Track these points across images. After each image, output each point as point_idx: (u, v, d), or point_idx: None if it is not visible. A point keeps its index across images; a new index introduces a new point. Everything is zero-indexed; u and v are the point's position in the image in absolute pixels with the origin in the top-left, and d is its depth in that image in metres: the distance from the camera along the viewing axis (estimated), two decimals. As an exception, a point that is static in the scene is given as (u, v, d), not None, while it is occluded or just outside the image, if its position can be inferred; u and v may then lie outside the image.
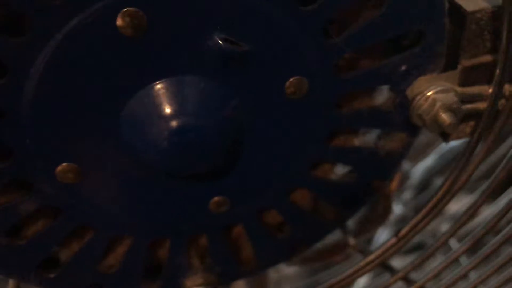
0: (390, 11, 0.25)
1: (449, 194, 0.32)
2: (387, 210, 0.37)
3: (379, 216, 0.37)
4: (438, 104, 0.26)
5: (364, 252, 0.35)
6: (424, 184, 0.66)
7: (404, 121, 0.29)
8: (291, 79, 0.25)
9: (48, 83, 0.23)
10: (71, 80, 0.23)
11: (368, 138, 0.30)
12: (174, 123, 0.24)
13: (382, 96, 0.29)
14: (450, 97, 0.27)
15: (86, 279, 0.31)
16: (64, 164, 0.25)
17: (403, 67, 0.27)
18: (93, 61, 0.23)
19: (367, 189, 0.33)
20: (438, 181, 0.62)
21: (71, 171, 0.26)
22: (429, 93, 0.27)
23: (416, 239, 0.40)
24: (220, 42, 0.23)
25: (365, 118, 0.29)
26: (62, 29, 0.21)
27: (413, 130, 0.30)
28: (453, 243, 0.37)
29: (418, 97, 0.27)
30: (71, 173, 0.26)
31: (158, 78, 0.24)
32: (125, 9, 0.21)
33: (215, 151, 0.25)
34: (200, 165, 0.26)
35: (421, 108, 0.27)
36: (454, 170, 0.31)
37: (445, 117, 0.26)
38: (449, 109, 0.26)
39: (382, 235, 0.45)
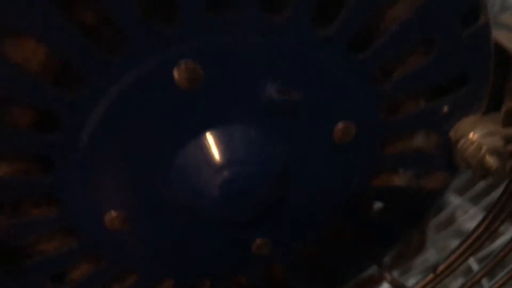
0: (439, 58, 0.25)
1: (488, 232, 0.32)
2: (422, 244, 0.37)
3: (414, 250, 0.37)
4: (484, 148, 0.26)
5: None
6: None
7: (446, 162, 0.29)
8: (339, 124, 0.26)
9: (102, 135, 0.23)
10: (124, 132, 0.23)
11: (408, 177, 0.30)
12: (226, 173, 0.24)
13: (425, 137, 0.29)
14: (496, 141, 0.27)
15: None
16: (113, 212, 0.25)
17: (447, 109, 0.27)
18: (147, 113, 0.23)
19: (404, 226, 0.33)
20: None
21: (119, 218, 0.26)
22: (475, 137, 0.27)
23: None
24: (274, 93, 0.23)
25: (407, 159, 0.29)
26: (118, 82, 0.21)
27: (454, 170, 0.30)
28: (473, 264, 0.38)
29: (463, 140, 0.27)
30: (119, 221, 0.26)
31: (209, 127, 0.24)
32: (182, 63, 0.21)
33: (264, 199, 0.25)
34: (249, 212, 0.26)
35: (467, 151, 0.27)
36: (494, 208, 0.31)
37: (492, 161, 0.26)
38: (495, 153, 0.26)
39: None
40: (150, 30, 0.20)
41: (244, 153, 0.24)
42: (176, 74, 0.22)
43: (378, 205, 0.32)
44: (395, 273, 0.36)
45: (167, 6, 0.20)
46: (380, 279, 0.38)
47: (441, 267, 0.34)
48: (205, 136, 0.24)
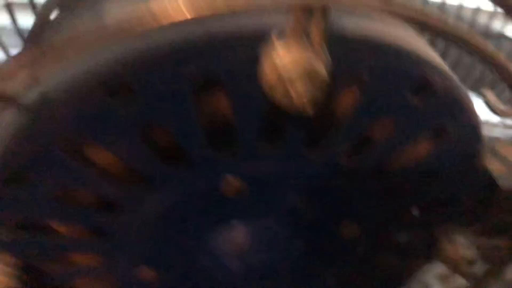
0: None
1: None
2: None
3: None
4: (459, 257, 0.32)
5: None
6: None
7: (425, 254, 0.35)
8: (344, 223, 0.31)
9: (154, 226, 0.27)
10: (175, 224, 0.28)
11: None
12: (248, 259, 0.29)
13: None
14: (471, 252, 0.32)
15: None
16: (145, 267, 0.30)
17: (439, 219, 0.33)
18: (197, 209, 0.27)
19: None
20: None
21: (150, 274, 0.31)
22: (455, 244, 0.32)
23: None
24: (297, 205, 0.28)
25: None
26: (177, 190, 0.26)
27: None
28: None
29: (445, 243, 0.33)
30: (149, 275, 0.31)
31: (242, 221, 0.29)
32: (231, 179, 0.26)
33: (276, 279, 0.31)
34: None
35: (446, 254, 0.33)
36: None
37: (465, 268, 0.32)
38: (468, 262, 0.32)
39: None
40: (210, 155, 0.25)
41: (265, 246, 0.29)
42: (225, 188, 0.26)
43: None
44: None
45: (227, 134, 0.24)
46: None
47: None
48: (238, 228, 0.29)
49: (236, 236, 0.29)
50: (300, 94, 0.19)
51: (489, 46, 0.21)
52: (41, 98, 0.22)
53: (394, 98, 0.24)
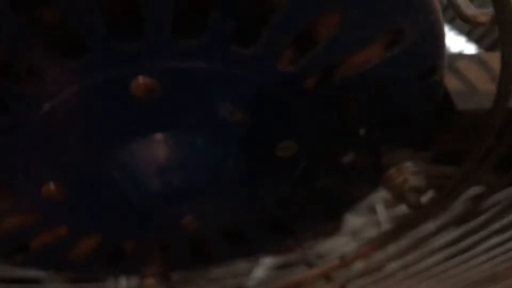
0: (392, 100, 0.26)
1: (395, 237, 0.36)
2: (337, 228, 0.40)
3: (329, 232, 0.41)
4: (407, 185, 0.29)
5: (310, 264, 0.39)
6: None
7: (372, 180, 0.32)
8: (282, 143, 0.27)
9: (54, 123, 0.23)
10: (75, 124, 0.23)
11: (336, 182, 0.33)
12: (166, 175, 0.25)
13: (359, 157, 0.31)
14: (419, 180, 0.29)
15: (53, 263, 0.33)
16: (52, 183, 0.26)
17: (386, 140, 0.29)
18: (101, 111, 0.23)
19: (326, 216, 0.36)
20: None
21: (56, 189, 0.27)
22: (403, 171, 0.29)
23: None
24: (225, 114, 0.24)
25: (339, 170, 0.31)
26: (73, 85, 0.21)
27: (376, 186, 0.33)
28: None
29: (392, 169, 0.30)
30: (55, 191, 0.27)
31: (159, 131, 0.24)
32: (140, 78, 0.21)
33: (197, 198, 0.27)
34: (182, 208, 0.28)
35: (393, 181, 0.30)
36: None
37: (411, 197, 0.29)
38: (416, 191, 0.29)
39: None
40: (111, 46, 0.20)
41: (184, 158, 0.25)
42: (133, 86, 0.21)
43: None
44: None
45: (135, 24, 0.19)
46: (293, 250, 0.42)
47: (349, 256, 0.38)
48: (154, 137, 0.24)
49: (151, 148, 0.25)
50: None
51: None
52: None
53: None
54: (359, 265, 0.42)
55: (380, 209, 0.55)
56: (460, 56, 0.32)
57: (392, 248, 0.41)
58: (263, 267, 0.74)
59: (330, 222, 0.38)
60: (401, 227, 0.35)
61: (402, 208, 0.70)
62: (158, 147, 0.25)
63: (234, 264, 0.58)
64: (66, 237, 0.31)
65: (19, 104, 0.21)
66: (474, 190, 0.31)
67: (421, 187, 0.29)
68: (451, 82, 0.28)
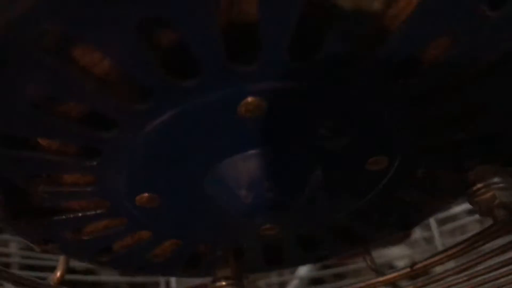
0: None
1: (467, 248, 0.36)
2: (407, 235, 0.40)
3: (399, 239, 0.40)
4: (497, 201, 0.28)
5: (378, 272, 0.39)
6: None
7: (456, 193, 0.31)
8: (373, 158, 0.27)
9: (155, 142, 0.23)
10: (177, 141, 0.23)
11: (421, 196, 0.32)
12: (261, 187, 0.25)
13: (446, 173, 0.30)
14: (509, 196, 0.29)
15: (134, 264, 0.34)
16: (146, 194, 0.27)
17: (475, 155, 0.29)
18: (204, 127, 0.23)
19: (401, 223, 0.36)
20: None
21: (150, 198, 0.27)
22: (492, 186, 0.29)
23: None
24: (325, 133, 0.24)
25: (424, 185, 0.31)
26: (183, 104, 0.21)
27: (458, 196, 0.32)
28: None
29: (480, 184, 0.29)
30: (149, 200, 0.27)
31: (257, 148, 0.24)
32: (250, 98, 0.21)
33: (286, 215, 0.27)
34: (269, 223, 0.28)
35: (481, 196, 0.29)
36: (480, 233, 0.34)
37: (500, 213, 0.28)
38: (505, 207, 0.28)
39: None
40: (227, 68, 0.20)
41: (278, 173, 0.25)
42: (241, 105, 0.22)
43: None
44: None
45: (250, 48, 0.19)
46: (359, 256, 0.42)
47: (419, 265, 0.37)
48: (251, 153, 0.25)
49: (248, 163, 0.25)
50: None
51: None
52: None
53: (463, 10, 0.19)
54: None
55: (434, 224, 0.55)
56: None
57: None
58: (298, 281, 0.75)
59: (402, 232, 0.37)
60: (475, 240, 0.35)
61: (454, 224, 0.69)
62: (253, 162, 0.25)
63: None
64: (148, 241, 0.32)
65: (128, 120, 0.22)
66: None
67: (511, 203, 0.29)
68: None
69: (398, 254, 0.95)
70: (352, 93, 0.22)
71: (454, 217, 0.72)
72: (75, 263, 0.51)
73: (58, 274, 0.34)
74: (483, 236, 0.34)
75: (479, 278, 0.39)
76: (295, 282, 0.79)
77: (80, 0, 0.16)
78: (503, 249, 0.36)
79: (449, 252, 0.36)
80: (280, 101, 0.22)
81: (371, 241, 0.38)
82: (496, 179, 0.29)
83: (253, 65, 0.20)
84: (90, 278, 0.70)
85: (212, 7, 0.17)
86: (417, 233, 0.73)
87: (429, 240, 0.90)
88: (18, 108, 0.20)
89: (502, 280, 0.39)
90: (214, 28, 0.18)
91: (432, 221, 0.71)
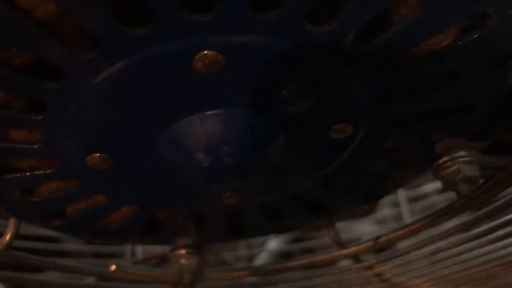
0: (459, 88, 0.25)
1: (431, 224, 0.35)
2: (373, 209, 0.40)
3: (364, 212, 0.40)
4: (461, 175, 0.28)
5: (342, 245, 0.39)
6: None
7: (421, 165, 0.31)
8: (338, 125, 0.26)
9: (105, 94, 0.22)
10: (129, 95, 0.22)
11: (383, 168, 0.32)
12: (220, 150, 0.24)
13: (412, 142, 0.29)
14: (473, 170, 0.28)
15: (88, 230, 0.33)
16: (96, 154, 0.25)
17: (441, 127, 0.28)
18: (157, 82, 0.21)
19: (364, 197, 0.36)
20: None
21: (101, 159, 0.26)
22: (457, 160, 0.28)
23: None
24: (287, 94, 0.22)
25: (389, 155, 0.30)
26: (134, 54, 0.20)
27: (423, 171, 0.32)
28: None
29: (446, 157, 0.29)
30: (100, 161, 0.26)
31: (215, 108, 0.23)
32: (206, 51, 0.20)
33: (246, 176, 0.26)
34: (228, 185, 0.27)
35: (446, 170, 0.29)
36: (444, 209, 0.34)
37: (463, 187, 0.28)
38: (469, 181, 0.28)
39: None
40: (181, 16, 0.18)
41: (240, 136, 0.24)
42: (197, 59, 0.20)
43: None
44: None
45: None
46: (322, 229, 0.41)
47: (382, 238, 0.37)
48: (209, 113, 0.23)
49: (206, 124, 0.23)
50: None
51: None
52: None
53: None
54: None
55: (403, 202, 0.55)
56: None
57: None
58: (277, 240, 0.75)
59: (368, 205, 0.37)
60: (439, 215, 0.34)
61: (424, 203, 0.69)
62: (212, 123, 0.24)
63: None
64: (103, 206, 0.31)
65: (74, 70, 0.20)
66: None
67: (475, 177, 0.28)
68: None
69: (366, 231, 0.96)
70: (316, 55, 0.21)
71: (424, 196, 0.72)
72: (41, 231, 0.49)
73: (8, 237, 0.32)
74: (447, 212, 0.34)
75: (441, 254, 0.39)
76: (263, 255, 0.79)
77: None
78: (465, 226, 0.36)
79: (413, 227, 0.36)
80: (239, 57, 0.21)
81: (335, 213, 0.37)
82: (462, 153, 0.28)
83: (210, 15, 0.18)
84: (53, 246, 0.69)
85: None
86: (387, 210, 0.74)
87: (398, 218, 0.91)
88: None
89: (463, 256, 0.40)
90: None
91: (402, 199, 0.71)
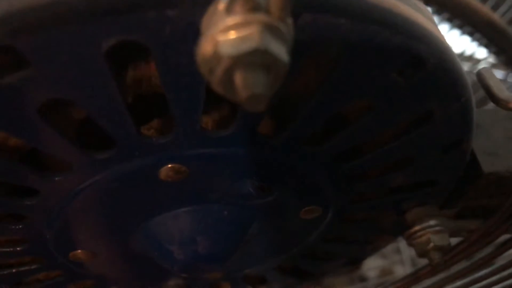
0: (416, 170, 0.26)
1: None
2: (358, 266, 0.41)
3: (349, 270, 0.41)
4: (431, 245, 0.29)
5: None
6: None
7: (394, 232, 0.32)
8: (306, 208, 0.27)
9: (81, 205, 0.23)
10: (104, 204, 0.23)
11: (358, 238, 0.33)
12: (194, 242, 0.25)
13: (383, 214, 0.30)
14: (444, 239, 0.29)
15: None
16: (80, 251, 0.27)
17: (411, 199, 0.29)
18: (128, 191, 0.23)
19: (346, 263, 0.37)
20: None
21: (84, 254, 0.27)
22: (427, 230, 0.29)
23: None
24: (252, 190, 0.24)
25: (362, 226, 0.31)
26: (103, 172, 0.21)
27: (397, 236, 0.33)
28: None
29: (417, 227, 0.30)
30: (83, 255, 0.27)
31: (185, 205, 0.24)
32: (170, 164, 0.21)
33: (224, 265, 0.27)
34: (208, 271, 0.28)
35: (417, 239, 0.29)
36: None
37: (435, 256, 0.29)
38: (440, 250, 0.29)
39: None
40: (140, 141, 0.20)
41: (211, 228, 0.25)
42: (162, 171, 0.21)
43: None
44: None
45: (164, 120, 0.19)
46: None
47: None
48: (180, 212, 0.25)
49: (178, 221, 0.25)
50: (247, 86, 0.14)
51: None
52: None
53: (375, 78, 0.19)
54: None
55: (405, 249, 0.55)
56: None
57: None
58: None
59: (350, 267, 0.38)
60: (422, 273, 0.35)
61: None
62: (184, 219, 0.25)
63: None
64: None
65: (49, 189, 0.22)
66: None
67: (445, 246, 0.29)
68: (477, 143, 0.28)
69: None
70: (273, 157, 0.23)
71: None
72: None
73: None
74: (416, 277, 0.34)
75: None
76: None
77: None
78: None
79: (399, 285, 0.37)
80: (201, 165, 0.22)
81: (320, 277, 0.38)
82: (431, 222, 0.29)
83: (168, 137, 0.20)
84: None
85: (112, 87, 0.17)
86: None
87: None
88: None
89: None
90: (118, 105, 0.18)
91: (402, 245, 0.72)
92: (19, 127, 0.18)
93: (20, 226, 0.24)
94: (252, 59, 0.13)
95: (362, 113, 0.21)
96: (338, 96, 0.20)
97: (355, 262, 0.37)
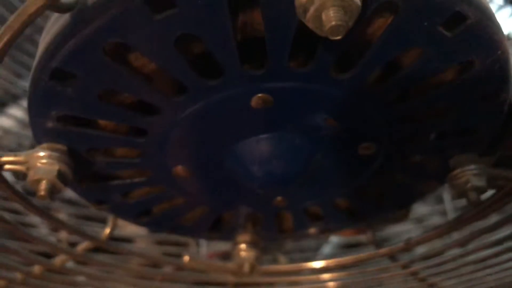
0: (457, 116, 0.31)
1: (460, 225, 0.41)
2: (406, 215, 0.46)
3: (397, 218, 0.46)
4: (469, 185, 0.34)
5: (378, 246, 0.45)
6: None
7: (439, 178, 0.37)
8: (363, 144, 0.33)
9: (188, 126, 0.30)
10: (205, 126, 0.30)
11: (406, 180, 0.38)
12: (270, 164, 0.32)
13: (429, 159, 0.36)
14: (481, 181, 0.34)
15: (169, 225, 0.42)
16: (180, 166, 0.34)
17: (453, 145, 0.34)
18: (224, 117, 0.30)
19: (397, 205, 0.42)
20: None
21: (183, 171, 0.34)
22: (467, 172, 0.34)
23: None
24: (321, 122, 0.30)
25: (411, 169, 0.36)
26: (209, 97, 0.28)
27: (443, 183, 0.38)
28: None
29: (458, 170, 0.35)
30: (183, 172, 0.34)
31: (268, 131, 0.31)
32: (260, 94, 0.28)
33: (292, 185, 0.33)
34: (278, 193, 0.35)
35: (457, 180, 0.35)
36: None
37: (472, 195, 0.34)
38: (477, 190, 0.34)
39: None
40: (243, 72, 0.26)
41: (285, 153, 0.32)
42: (253, 99, 0.28)
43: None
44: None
45: (260, 56, 0.26)
46: (362, 232, 0.48)
47: (412, 240, 0.43)
48: (263, 136, 0.31)
49: (260, 145, 0.31)
50: (330, 19, 0.20)
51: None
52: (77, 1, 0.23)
53: (426, 29, 0.25)
54: (422, 249, 0.47)
55: (447, 199, 0.59)
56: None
57: (455, 236, 0.46)
58: (331, 245, 0.81)
59: (399, 211, 0.43)
60: (463, 219, 0.40)
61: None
62: (265, 144, 0.31)
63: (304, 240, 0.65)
64: (182, 207, 0.39)
65: (167, 108, 0.29)
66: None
67: (482, 187, 0.34)
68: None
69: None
70: (341, 94, 0.29)
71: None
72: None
73: (107, 230, 0.42)
74: (471, 216, 0.39)
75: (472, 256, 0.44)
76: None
77: (136, 22, 0.23)
78: (491, 228, 0.41)
79: (437, 231, 0.42)
80: (284, 97, 0.28)
81: (371, 219, 0.43)
82: (471, 166, 0.34)
83: (262, 70, 0.26)
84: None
85: (229, 27, 0.24)
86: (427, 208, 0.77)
87: (443, 213, 0.93)
88: (87, 99, 0.28)
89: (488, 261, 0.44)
90: (231, 42, 0.25)
91: (446, 195, 0.75)
92: (159, 54, 0.25)
93: (142, 140, 0.31)
94: (335, 1, 0.19)
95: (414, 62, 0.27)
96: (396, 43, 0.25)
97: (402, 205, 0.42)
